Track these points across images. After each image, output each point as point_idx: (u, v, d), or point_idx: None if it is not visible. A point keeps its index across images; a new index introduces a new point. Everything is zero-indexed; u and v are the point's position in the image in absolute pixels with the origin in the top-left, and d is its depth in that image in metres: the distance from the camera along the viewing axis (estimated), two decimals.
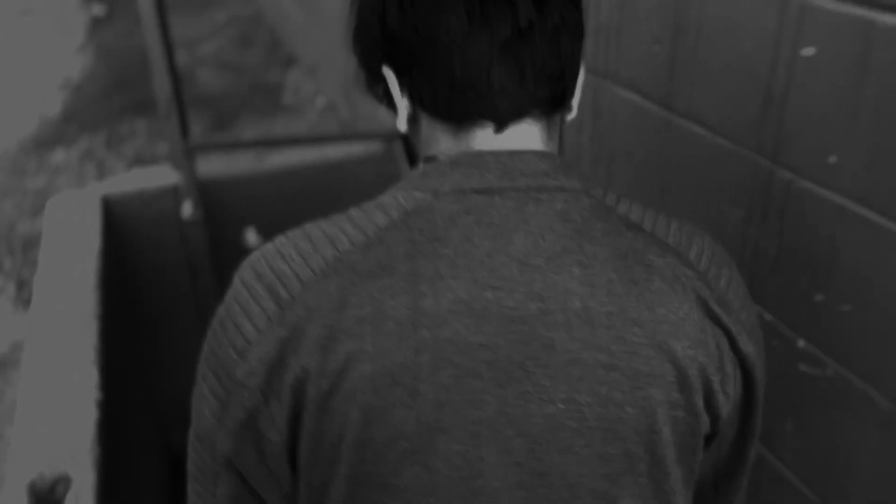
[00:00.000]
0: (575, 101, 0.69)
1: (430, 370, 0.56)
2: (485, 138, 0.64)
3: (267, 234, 2.90)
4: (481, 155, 0.62)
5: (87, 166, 4.38)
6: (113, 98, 5.38)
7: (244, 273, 0.63)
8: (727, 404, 0.64)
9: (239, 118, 5.15)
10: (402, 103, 0.67)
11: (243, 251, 2.99)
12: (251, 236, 2.87)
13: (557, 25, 0.62)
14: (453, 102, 0.62)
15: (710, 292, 0.62)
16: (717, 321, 0.62)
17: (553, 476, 0.59)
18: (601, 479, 0.59)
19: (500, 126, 0.63)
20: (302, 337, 0.57)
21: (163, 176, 2.71)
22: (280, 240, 0.63)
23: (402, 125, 0.68)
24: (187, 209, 2.68)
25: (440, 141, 0.65)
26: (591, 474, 0.59)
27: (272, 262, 0.61)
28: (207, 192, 2.75)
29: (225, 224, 2.86)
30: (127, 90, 5.37)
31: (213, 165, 2.86)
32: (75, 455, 1.44)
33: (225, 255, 2.91)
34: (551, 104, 0.65)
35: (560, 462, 0.59)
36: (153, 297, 2.75)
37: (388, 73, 0.66)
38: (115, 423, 1.75)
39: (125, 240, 2.61)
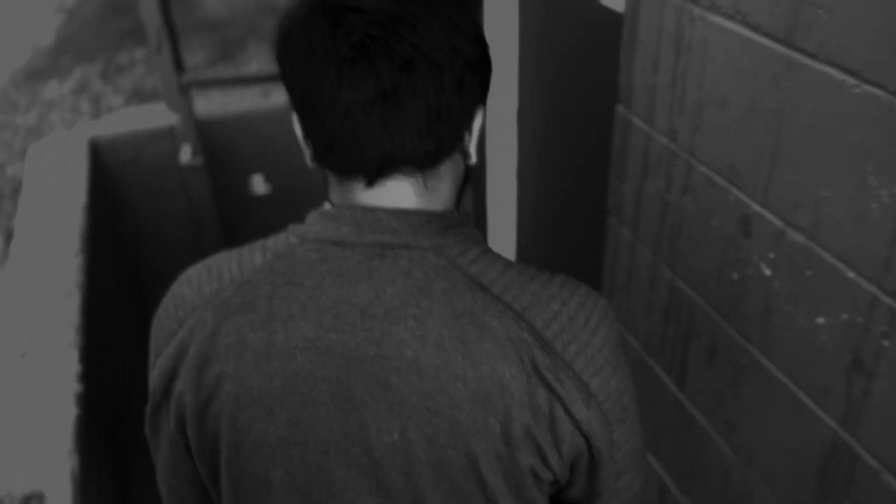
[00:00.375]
0: (472, 148, 0.75)
1: (281, 395, 0.68)
2: (361, 191, 0.71)
3: (275, 179, 2.66)
4: (341, 209, 0.70)
5: (82, 100, 4.13)
6: (110, 23, 5.07)
7: (170, 290, 0.76)
8: (560, 462, 0.69)
9: (246, 46, 4.83)
10: (306, 146, 0.74)
11: (250, 199, 2.76)
12: (258, 183, 2.64)
13: (426, 87, 0.66)
14: (328, 156, 0.70)
15: (546, 357, 0.66)
16: (548, 387, 0.66)
17: (395, 492, 0.69)
18: None
19: (370, 181, 0.70)
20: (184, 355, 0.71)
21: (157, 116, 2.46)
22: (196, 266, 0.76)
23: (310, 163, 0.75)
24: (186, 153, 2.44)
25: (332, 186, 0.74)
26: (428, 500, 0.69)
27: (183, 286, 0.74)
28: (208, 134, 2.51)
29: (229, 168, 2.62)
30: (126, 14, 5.05)
31: (213, 103, 2.60)
32: (49, 464, 1.24)
33: (230, 203, 2.69)
34: (424, 160, 0.69)
35: (400, 483, 0.68)
36: (153, 252, 2.54)
37: (294, 117, 0.73)
38: (109, 407, 1.57)
39: (117, 188, 2.39)
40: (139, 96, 4.09)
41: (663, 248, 1.31)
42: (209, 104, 2.61)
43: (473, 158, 0.76)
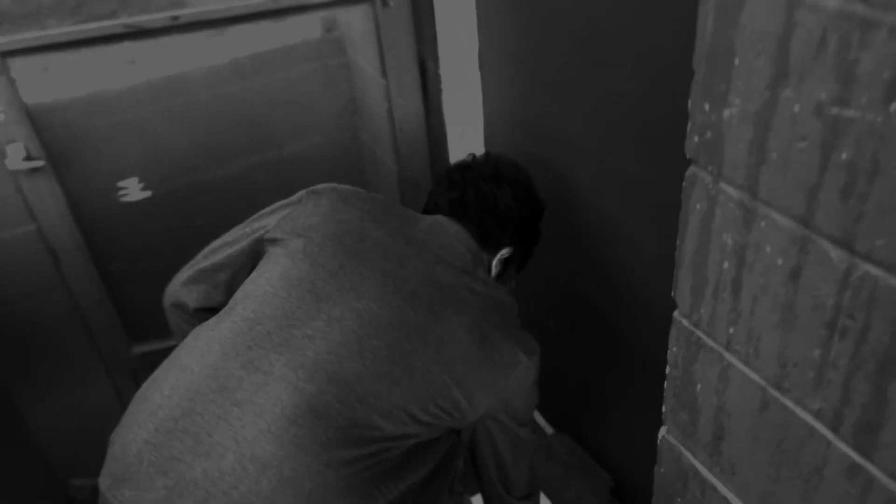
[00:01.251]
0: (499, 255, 1.48)
1: (345, 231, 1.33)
2: None
3: (152, 179, 2.03)
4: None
5: None
6: None
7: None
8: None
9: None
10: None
11: (122, 208, 2.11)
12: (133, 188, 2.01)
13: (483, 212, 1.44)
14: (431, 211, 1.51)
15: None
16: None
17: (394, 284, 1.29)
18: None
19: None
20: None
21: None
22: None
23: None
24: (16, 154, 1.80)
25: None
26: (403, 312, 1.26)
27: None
28: (49, 125, 1.87)
29: (87, 171, 1.98)
30: None
31: (54, 80, 1.95)
32: None
33: (95, 218, 2.03)
34: (472, 234, 1.42)
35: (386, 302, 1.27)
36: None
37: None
38: None
39: None
40: None
41: (828, 211, 0.76)
42: (49, 82, 1.96)
43: (503, 258, 1.51)
